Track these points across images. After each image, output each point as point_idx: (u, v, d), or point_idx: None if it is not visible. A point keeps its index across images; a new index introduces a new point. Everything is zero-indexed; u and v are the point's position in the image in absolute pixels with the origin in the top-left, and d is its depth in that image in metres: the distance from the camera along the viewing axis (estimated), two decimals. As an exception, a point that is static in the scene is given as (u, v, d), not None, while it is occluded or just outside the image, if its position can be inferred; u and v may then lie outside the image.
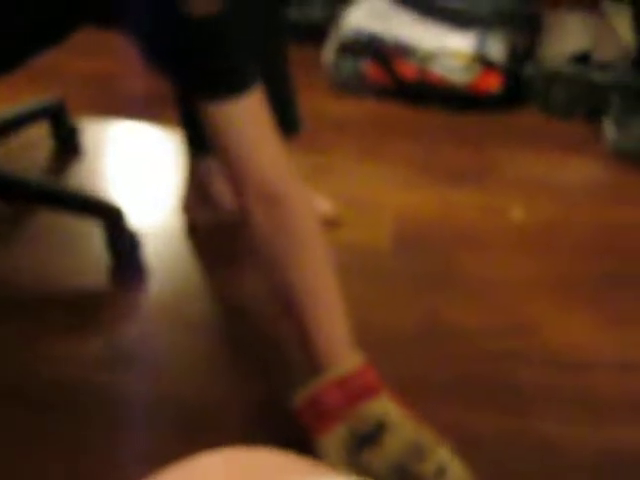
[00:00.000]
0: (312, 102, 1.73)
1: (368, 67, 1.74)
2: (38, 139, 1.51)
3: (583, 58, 1.81)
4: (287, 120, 1.24)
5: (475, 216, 1.40)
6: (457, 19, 1.79)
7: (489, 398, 1.03)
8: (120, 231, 1.21)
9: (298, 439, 0.84)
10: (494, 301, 1.20)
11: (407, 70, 1.71)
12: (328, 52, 1.79)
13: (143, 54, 0.99)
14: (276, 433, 0.94)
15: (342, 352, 0.89)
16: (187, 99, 1.13)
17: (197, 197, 1.33)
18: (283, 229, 0.94)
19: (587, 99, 1.68)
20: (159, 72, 1.04)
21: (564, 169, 1.57)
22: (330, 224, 1.27)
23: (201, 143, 1.26)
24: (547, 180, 1.52)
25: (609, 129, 1.61)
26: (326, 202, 1.33)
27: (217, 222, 1.33)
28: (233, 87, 0.95)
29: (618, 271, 1.28)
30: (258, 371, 1.06)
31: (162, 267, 1.24)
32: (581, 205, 1.44)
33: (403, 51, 1.70)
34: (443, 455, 0.85)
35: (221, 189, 1.27)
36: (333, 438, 0.84)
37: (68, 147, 1.51)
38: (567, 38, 2.12)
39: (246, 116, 0.96)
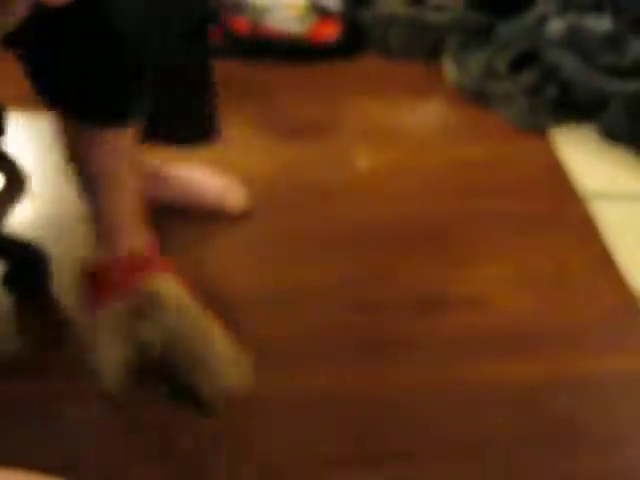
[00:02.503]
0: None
1: (201, 25, 1.67)
2: None
3: (418, 0, 1.80)
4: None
5: (323, 169, 1.37)
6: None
7: (359, 351, 1.02)
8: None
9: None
10: (348, 252, 1.19)
11: (240, 25, 1.65)
12: (158, 13, 1.71)
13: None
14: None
15: (127, 233, 0.93)
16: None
17: None
18: None
19: (425, 40, 1.68)
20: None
21: (408, 112, 1.56)
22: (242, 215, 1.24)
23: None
24: (392, 124, 1.51)
25: (448, 68, 1.61)
26: (238, 189, 1.27)
27: None
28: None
29: (465, 208, 1.29)
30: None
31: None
32: (426, 146, 1.44)
33: (235, 7, 1.64)
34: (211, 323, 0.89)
35: None
36: (110, 310, 0.88)
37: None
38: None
39: None
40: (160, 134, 1.14)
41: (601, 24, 1.56)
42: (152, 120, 0.99)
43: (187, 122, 1.18)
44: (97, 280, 0.91)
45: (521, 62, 1.54)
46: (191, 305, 0.90)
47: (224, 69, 1.68)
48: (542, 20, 1.59)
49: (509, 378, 0.98)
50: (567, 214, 1.28)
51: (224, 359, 0.88)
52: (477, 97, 1.55)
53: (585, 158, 1.41)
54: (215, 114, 1.21)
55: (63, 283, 1.11)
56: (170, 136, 1.17)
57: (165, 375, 0.88)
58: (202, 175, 1.27)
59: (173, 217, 1.23)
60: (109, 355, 0.87)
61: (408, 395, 0.95)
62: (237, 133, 1.47)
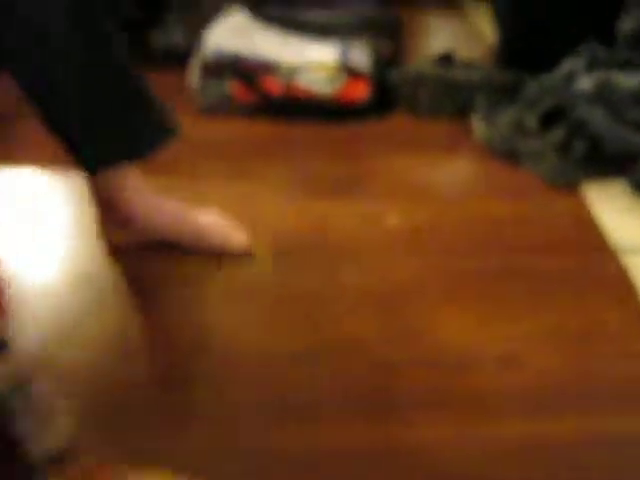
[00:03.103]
0: (180, 127, 1.69)
1: (234, 87, 1.71)
2: None
3: (446, 59, 1.83)
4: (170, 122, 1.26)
5: (352, 226, 1.38)
6: (319, 31, 1.78)
7: (378, 410, 1.01)
8: None
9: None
10: (376, 310, 1.18)
11: (273, 86, 1.69)
12: (192, 75, 1.76)
13: None
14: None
15: None
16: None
17: (109, 218, 1.27)
18: None
19: (453, 99, 1.70)
20: None
21: (438, 169, 1.57)
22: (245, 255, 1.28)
23: (89, 160, 1.21)
24: (422, 182, 1.52)
25: (478, 127, 1.63)
26: (239, 231, 1.30)
27: (136, 241, 1.28)
28: None
29: (496, 266, 1.28)
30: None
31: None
32: (457, 203, 1.45)
33: (267, 68, 1.68)
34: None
35: (130, 206, 1.24)
36: None
37: None
38: (430, 40, 2.16)
39: None
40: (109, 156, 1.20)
41: (630, 80, 1.57)
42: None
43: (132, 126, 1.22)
44: None
45: (550, 119, 1.55)
46: None
47: (257, 128, 1.73)
48: (571, 77, 1.61)
49: (540, 438, 0.96)
50: (600, 270, 1.27)
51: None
52: (507, 154, 1.56)
53: (617, 213, 1.40)
54: (157, 109, 1.24)
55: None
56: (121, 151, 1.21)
57: None
58: (204, 214, 1.30)
59: (177, 257, 1.25)
60: None
61: (434, 454, 0.94)
62: (267, 191, 1.49)
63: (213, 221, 1.31)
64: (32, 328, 1.13)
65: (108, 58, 1.19)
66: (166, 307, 1.19)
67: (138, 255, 1.28)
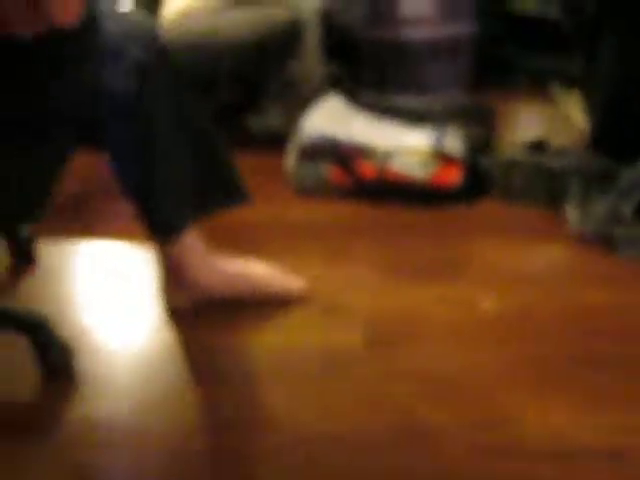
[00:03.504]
0: (276, 208, 1.75)
1: (329, 170, 1.76)
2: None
3: (539, 146, 1.85)
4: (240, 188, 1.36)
5: (445, 311, 1.39)
6: (413, 117, 1.83)
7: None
8: (48, 343, 1.20)
9: None
10: (470, 395, 1.18)
11: (367, 170, 1.73)
12: (289, 159, 1.82)
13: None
14: None
15: None
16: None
17: (172, 281, 1.36)
18: None
19: (546, 185, 1.71)
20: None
21: (530, 256, 1.57)
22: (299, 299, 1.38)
23: (160, 226, 1.32)
24: (515, 268, 1.52)
25: (571, 213, 1.63)
26: (294, 279, 1.41)
27: (195, 304, 1.37)
28: None
29: (592, 353, 1.26)
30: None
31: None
32: (550, 290, 1.44)
33: (362, 152, 1.73)
34: None
35: (196, 270, 1.33)
36: None
37: (23, 260, 1.53)
38: (522, 127, 2.18)
39: None
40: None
41: None
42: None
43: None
44: None
45: (646, 207, 1.55)
46: None
47: (351, 211, 1.77)
48: (666, 165, 1.61)
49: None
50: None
51: None
52: (601, 241, 1.55)
53: None
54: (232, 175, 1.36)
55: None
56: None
57: None
58: (259, 266, 1.40)
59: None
60: None
61: None
62: (360, 273, 1.52)
63: (269, 272, 1.40)
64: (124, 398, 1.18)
65: (201, 141, 1.31)
66: (238, 382, 1.22)
67: (211, 327, 1.33)
